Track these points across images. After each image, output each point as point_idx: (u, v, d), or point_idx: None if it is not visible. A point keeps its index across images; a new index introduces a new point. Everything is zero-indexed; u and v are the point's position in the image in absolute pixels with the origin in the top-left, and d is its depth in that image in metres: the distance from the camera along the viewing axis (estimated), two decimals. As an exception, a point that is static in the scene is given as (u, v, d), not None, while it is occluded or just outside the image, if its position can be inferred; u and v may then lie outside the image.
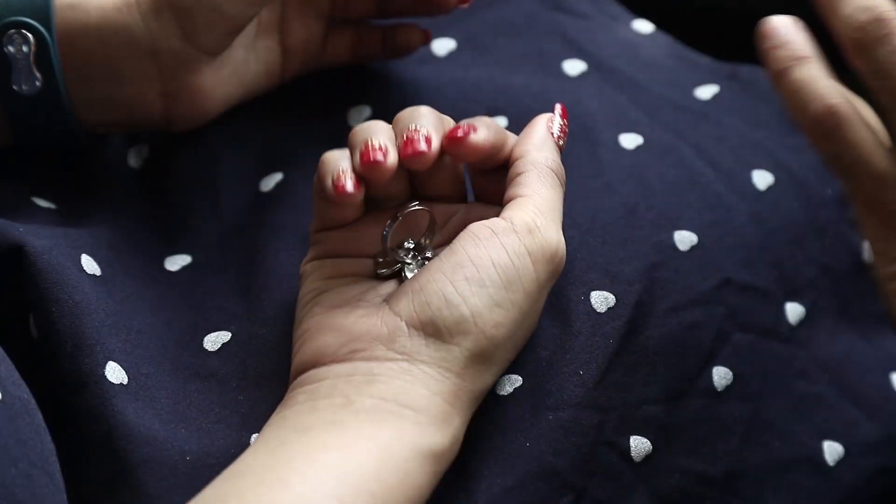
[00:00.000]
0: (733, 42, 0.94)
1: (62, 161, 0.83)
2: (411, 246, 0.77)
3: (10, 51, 0.77)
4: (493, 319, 0.72)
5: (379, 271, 0.76)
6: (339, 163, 0.74)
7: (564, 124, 0.78)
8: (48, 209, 0.80)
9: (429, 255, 0.77)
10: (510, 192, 0.75)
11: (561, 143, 0.78)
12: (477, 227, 0.74)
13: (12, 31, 0.77)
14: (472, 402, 0.73)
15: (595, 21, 0.96)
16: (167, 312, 0.80)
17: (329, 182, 0.74)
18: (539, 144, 0.77)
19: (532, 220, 0.73)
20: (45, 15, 0.77)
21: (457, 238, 0.74)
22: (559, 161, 0.77)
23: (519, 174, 0.76)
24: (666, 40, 0.96)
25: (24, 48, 0.77)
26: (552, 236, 0.74)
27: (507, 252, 0.73)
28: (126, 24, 0.78)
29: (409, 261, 0.76)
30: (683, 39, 0.98)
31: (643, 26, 0.97)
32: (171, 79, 0.80)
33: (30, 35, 0.77)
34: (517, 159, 0.76)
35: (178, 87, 0.80)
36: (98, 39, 0.78)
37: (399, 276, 0.76)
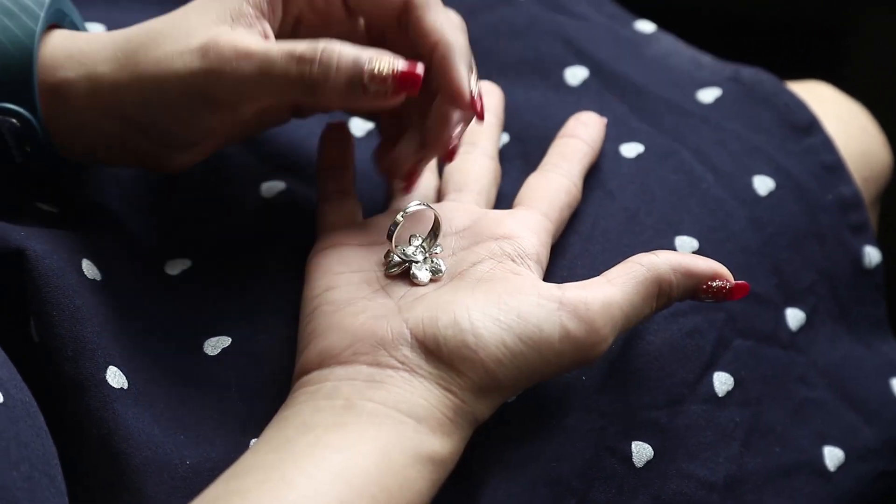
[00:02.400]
0: (735, 44, 0.94)
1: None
2: (418, 243, 0.77)
3: None
4: (495, 356, 0.71)
5: (388, 271, 0.76)
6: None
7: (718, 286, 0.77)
8: (50, 212, 0.80)
9: (438, 251, 0.77)
10: (608, 272, 0.74)
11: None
12: (524, 278, 0.74)
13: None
14: (472, 423, 0.72)
15: (596, 23, 0.96)
16: (167, 317, 0.79)
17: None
18: (674, 259, 0.75)
19: (587, 309, 0.72)
20: (29, 98, 0.76)
21: (503, 270, 0.74)
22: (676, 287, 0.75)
23: (630, 263, 0.74)
24: (668, 39, 0.96)
25: (7, 127, 0.77)
26: (599, 340, 0.72)
27: (537, 313, 0.72)
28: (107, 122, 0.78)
29: (417, 258, 0.76)
30: (685, 40, 0.98)
31: (645, 26, 0.97)
32: (159, 152, 0.79)
33: (13, 119, 0.77)
34: (643, 260, 0.74)
35: (169, 156, 0.79)
36: (82, 123, 0.77)
37: (408, 275, 0.76)
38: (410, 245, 0.77)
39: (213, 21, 0.75)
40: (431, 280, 0.76)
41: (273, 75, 0.73)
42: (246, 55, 0.73)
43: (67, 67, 0.76)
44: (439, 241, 0.78)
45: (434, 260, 0.76)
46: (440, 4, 0.76)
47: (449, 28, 0.76)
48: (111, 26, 0.90)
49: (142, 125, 0.76)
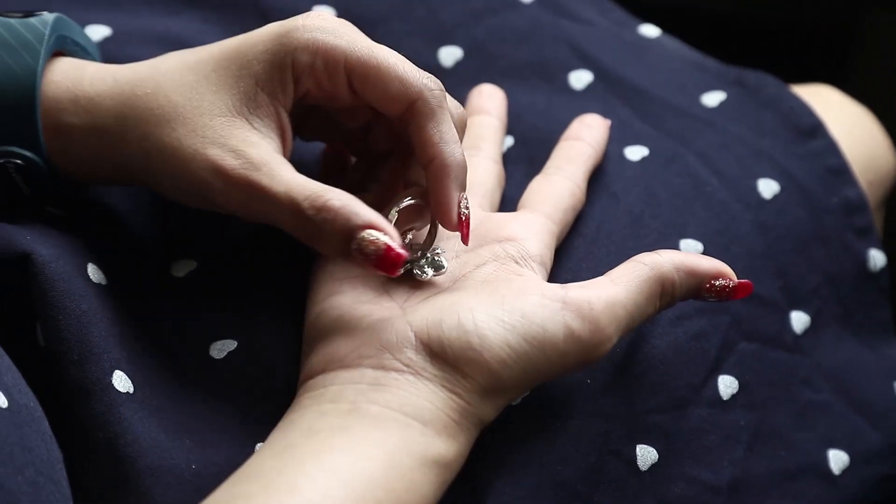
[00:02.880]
0: (739, 48, 0.94)
1: None
2: (409, 238, 0.77)
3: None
4: (500, 357, 0.71)
5: None
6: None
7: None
8: (56, 215, 0.80)
9: (439, 251, 0.77)
10: (612, 271, 0.74)
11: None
12: (528, 279, 0.74)
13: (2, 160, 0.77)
14: (478, 424, 0.72)
15: (600, 27, 0.96)
16: (173, 319, 0.79)
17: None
18: (677, 258, 0.75)
19: (590, 309, 0.72)
20: (33, 138, 0.76)
21: (506, 272, 0.75)
22: (678, 289, 0.75)
23: (633, 262, 0.75)
24: (673, 44, 0.96)
25: (13, 167, 0.77)
26: (603, 339, 0.72)
27: (541, 313, 0.72)
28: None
29: (416, 254, 0.76)
30: (689, 44, 0.98)
31: (650, 31, 0.97)
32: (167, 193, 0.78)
33: (18, 160, 0.77)
34: (647, 259, 0.75)
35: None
36: (89, 162, 0.77)
37: (411, 275, 0.76)
38: (406, 240, 0.77)
39: (227, 111, 0.74)
40: (434, 276, 0.76)
41: (279, 215, 0.73)
42: (258, 191, 0.73)
43: (72, 112, 0.75)
44: (442, 244, 0.78)
45: (436, 258, 0.76)
46: (445, 115, 0.75)
47: (448, 143, 0.75)
48: (116, 30, 0.90)
49: (149, 183, 0.76)
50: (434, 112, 0.75)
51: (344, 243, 0.72)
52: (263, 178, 0.73)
